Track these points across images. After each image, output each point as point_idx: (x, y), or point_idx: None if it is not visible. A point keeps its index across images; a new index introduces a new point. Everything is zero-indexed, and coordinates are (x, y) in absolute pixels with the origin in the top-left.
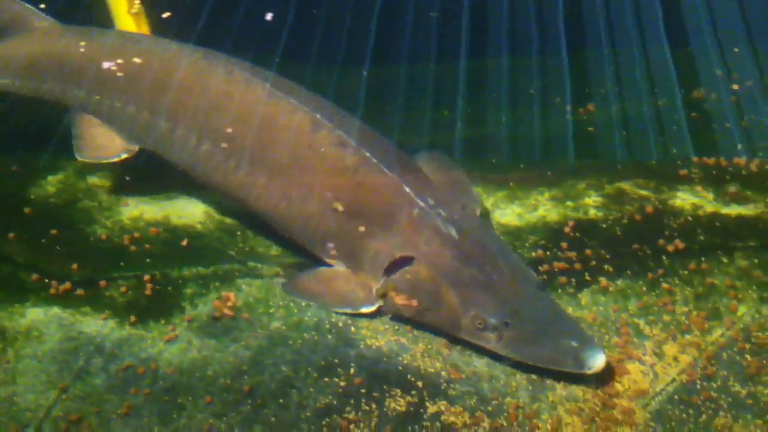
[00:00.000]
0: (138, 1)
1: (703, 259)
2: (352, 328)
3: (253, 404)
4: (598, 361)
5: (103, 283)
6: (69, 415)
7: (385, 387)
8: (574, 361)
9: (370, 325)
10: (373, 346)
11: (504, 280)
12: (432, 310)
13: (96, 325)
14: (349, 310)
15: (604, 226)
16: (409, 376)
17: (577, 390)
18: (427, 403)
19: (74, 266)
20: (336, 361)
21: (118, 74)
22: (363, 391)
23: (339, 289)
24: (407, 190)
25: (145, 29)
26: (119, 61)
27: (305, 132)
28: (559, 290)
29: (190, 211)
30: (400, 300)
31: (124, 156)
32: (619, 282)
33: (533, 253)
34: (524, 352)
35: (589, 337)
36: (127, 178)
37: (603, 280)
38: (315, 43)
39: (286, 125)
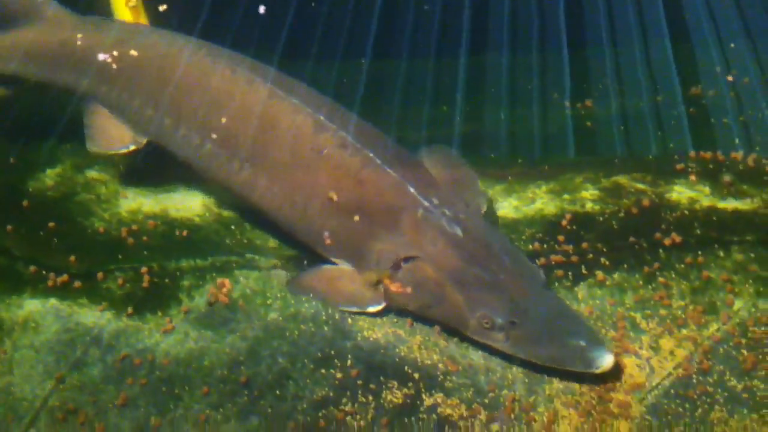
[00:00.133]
0: None
1: (699, 253)
2: (349, 320)
3: (250, 395)
4: (605, 361)
5: (100, 275)
6: (65, 406)
7: (381, 379)
8: (582, 360)
9: (367, 317)
10: (370, 338)
11: (510, 279)
12: (438, 308)
13: (93, 316)
14: (355, 309)
15: (600, 219)
16: (405, 368)
17: (574, 383)
18: (424, 395)
19: (72, 258)
20: (333, 352)
21: (126, 67)
22: (360, 382)
23: (345, 288)
24: (411, 190)
25: (144, 21)
26: (127, 53)
27: (308, 133)
28: (556, 283)
29: (188, 204)
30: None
31: (132, 147)
32: (615, 275)
33: (530, 246)
34: (531, 352)
35: (596, 336)
36: (126, 171)
37: (599, 274)
38: (314, 38)
39: (289, 126)
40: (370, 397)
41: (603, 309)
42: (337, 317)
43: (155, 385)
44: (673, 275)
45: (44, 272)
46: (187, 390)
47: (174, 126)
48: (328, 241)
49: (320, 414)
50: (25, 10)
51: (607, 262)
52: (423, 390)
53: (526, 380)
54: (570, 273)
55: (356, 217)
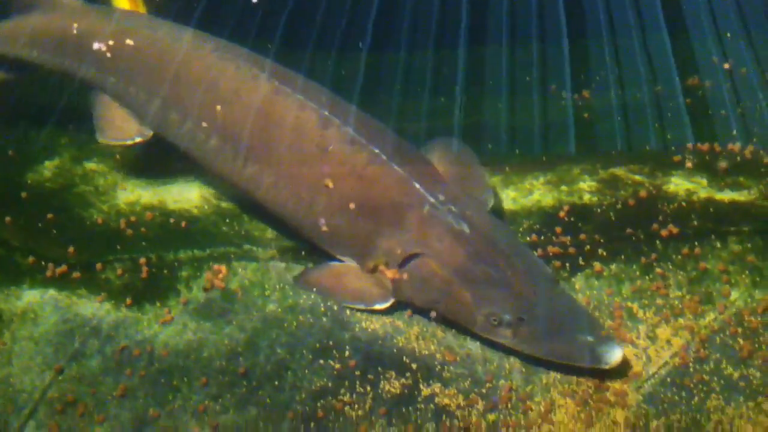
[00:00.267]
0: None
1: (696, 243)
2: (347, 311)
3: (249, 386)
4: (614, 356)
5: (99, 266)
6: (64, 397)
7: (379, 369)
8: (591, 356)
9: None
10: (368, 329)
11: (518, 276)
12: (445, 305)
13: (92, 307)
14: (362, 307)
15: (598, 210)
16: (403, 359)
17: (571, 373)
18: (422, 386)
19: (70, 249)
20: (331, 343)
21: (133, 59)
22: (358, 373)
23: (351, 285)
24: (417, 186)
25: (141, 10)
26: (135, 45)
27: (313, 129)
28: None
29: (186, 196)
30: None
31: (138, 140)
32: (612, 266)
33: (528, 238)
34: (540, 348)
35: (605, 331)
36: (125, 163)
37: (597, 265)
38: (313, 28)
39: (294, 122)
40: (368, 388)
41: (600, 299)
42: (335, 308)
43: (154, 376)
44: (670, 266)
45: (43, 263)
46: (185, 381)
47: (180, 120)
48: (333, 237)
49: (318, 404)
50: None
51: (605, 254)
52: (421, 380)
53: (523, 370)
54: (567, 264)
55: (363, 214)
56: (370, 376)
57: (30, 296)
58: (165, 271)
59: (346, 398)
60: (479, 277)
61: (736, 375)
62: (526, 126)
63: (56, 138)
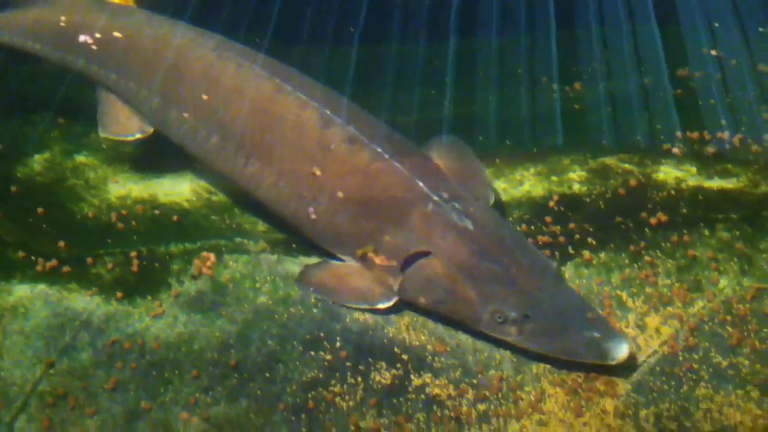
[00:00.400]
0: None
1: (685, 231)
2: None
3: (240, 378)
4: (621, 352)
5: (89, 260)
6: (55, 390)
7: (370, 360)
8: (597, 352)
9: None
10: (359, 320)
11: (522, 273)
12: (449, 303)
13: (83, 301)
14: (365, 306)
15: (588, 200)
16: (394, 349)
17: (560, 362)
18: (412, 376)
19: (61, 244)
20: (322, 335)
21: (134, 56)
22: (349, 364)
23: (354, 284)
24: (420, 184)
25: (130, 2)
26: (137, 42)
27: (315, 128)
28: None
29: (177, 189)
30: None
31: (138, 136)
32: (602, 255)
33: (518, 228)
34: (546, 345)
35: (611, 327)
36: (115, 156)
37: (586, 254)
38: (305, 21)
39: (296, 121)
40: (359, 378)
41: (590, 288)
42: (326, 300)
43: (145, 369)
44: (659, 254)
45: (33, 258)
46: (177, 374)
47: (180, 119)
48: (335, 236)
49: (309, 395)
50: None
51: (594, 242)
52: (411, 370)
53: (514, 360)
54: (557, 253)
55: (365, 212)
56: (360, 367)
57: (20, 291)
58: (156, 265)
59: (337, 389)
60: (484, 274)
61: (724, 363)
62: (517, 117)
63: (47, 131)
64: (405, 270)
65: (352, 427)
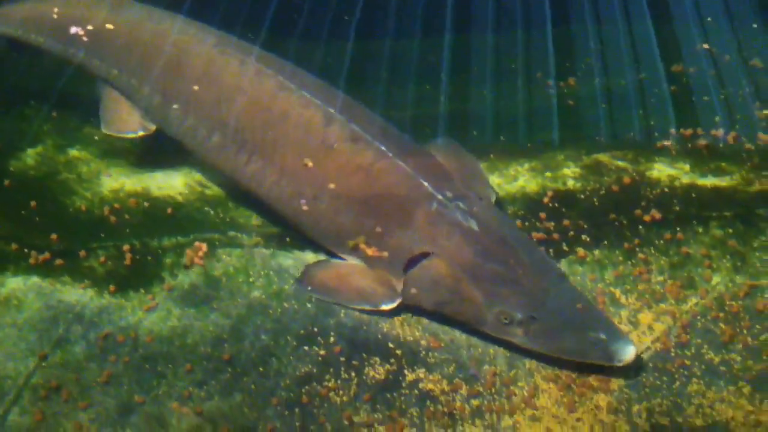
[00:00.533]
0: None
1: (678, 229)
2: None
3: (233, 372)
4: (627, 354)
5: (82, 253)
6: (48, 383)
7: (364, 355)
8: (604, 353)
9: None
10: (353, 315)
11: (528, 273)
12: (454, 304)
13: (75, 294)
14: (368, 307)
15: (582, 196)
16: (388, 344)
17: (554, 358)
18: (406, 371)
19: (54, 237)
20: (316, 329)
21: (135, 52)
22: (342, 359)
23: (357, 285)
24: (425, 184)
25: None
26: (138, 38)
27: (318, 126)
28: None
29: (170, 183)
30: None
31: (141, 133)
32: (596, 252)
33: None
34: (552, 346)
35: (617, 328)
36: (109, 150)
37: (580, 250)
38: (300, 16)
39: (298, 119)
40: (353, 374)
41: (583, 285)
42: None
43: (138, 362)
44: (653, 251)
45: (26, 250)
46: (170, 367)
47: (182, 116)
48: (338, 235)
49: (303, 390)
50: None
51: (588, 239)
52: (405, 366)
53: (507, 355)
54: (551, 250)
55: (369, 212)
56: (354, 362)
57: (13, 283)
58: (149, 258)
59: (331, 384)
60: (489, 275)
61: (717, 359)
62: (512, 113)
63: (40, 125)
64: (409, 270)
65: (346, 422)
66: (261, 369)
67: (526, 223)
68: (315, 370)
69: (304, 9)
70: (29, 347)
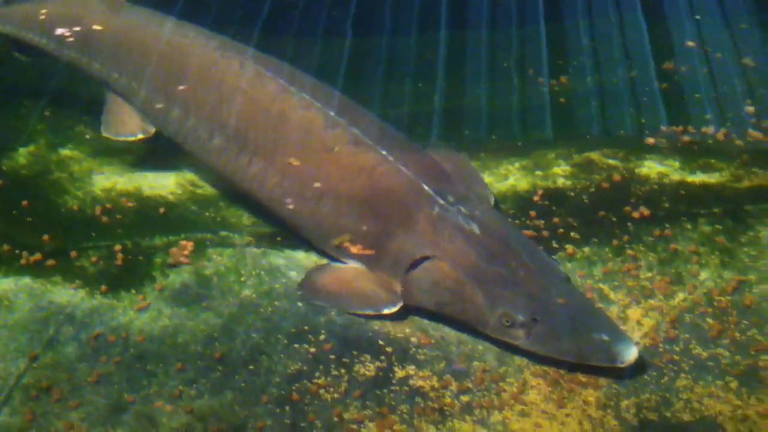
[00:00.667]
0: None
1: (667, 225)
2: None
3: (224, 371)
4: (630, 355)
5: (74, 253)
6: (39, 383)
7: (354, 352)
8: (606, 355)
9: None
10: (344, 313)
11: (530, 276)
12: (456, 307)
13: (66, 294)
14: (370, 312)
15: (572, 194)
16: (378, 342)
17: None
18: (396, 368)
19: (45, 237)
20: (306, 327)
21: (134, 55)
22: (333, 356)
23: (359, 289)
24: (426, 188)
25: None
26: (137, 40)
27: (319, 129)
28: None
29: (162, 183)
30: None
31: (140, 136)
32: (585, 249)
33: None
34: (554, 348)
35: (620, 330)
36: (101, 150)
37: (570, 248)
38: (296, 14)
39: (299, 122)
40: (343, 371)
41: (573, 281)
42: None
43: (129, 362)
44: (642, 247)
45: (17, 251)
46: (161, 366)
47: (182, 119)
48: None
49: (294, 387)
50: None
51: (578, 236)
52: (395, 362)
53: (497, 351)
54: (541, 247)
55: (370, 216)
56: (345, 360)
57: (4, 284)
58: (140, 258)
59: (321, 381)
60: (491, 277)
61: (705, 354)
62: (503, 111)
63: (31, 124)
64: (411, 273)
65: (336, 419)
66: (252, 367)
67: (517, 222)
68: (305, 368)
69: (298, 5)
70: (20, 348)
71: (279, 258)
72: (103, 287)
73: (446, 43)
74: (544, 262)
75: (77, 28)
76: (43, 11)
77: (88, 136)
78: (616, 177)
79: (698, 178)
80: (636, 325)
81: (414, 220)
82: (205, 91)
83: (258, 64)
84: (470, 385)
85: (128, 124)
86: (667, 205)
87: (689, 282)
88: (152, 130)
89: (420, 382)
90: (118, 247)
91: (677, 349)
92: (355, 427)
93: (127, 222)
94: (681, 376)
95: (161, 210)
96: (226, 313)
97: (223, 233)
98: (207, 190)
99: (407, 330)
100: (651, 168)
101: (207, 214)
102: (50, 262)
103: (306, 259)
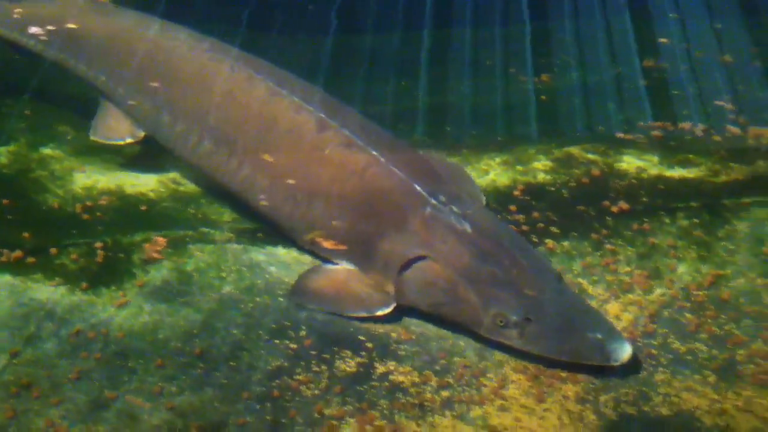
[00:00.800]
0: None
1: (645, 219)
2: None
3: (205, 367)
4: (624, 353)
5: (54, 250)
6: (19, 380)
7: (335, 348)
8: (601, 354)
9: None
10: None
11: (523, 275)
12: (450, 307)
13: (47, 291)
14: (364, 314)
15: (552, 189)
16: (359, 337)
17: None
18: (377, 364)
19: (26, 234)
20: (287, 323)
21: (122, 58)
22: (313, 352)
23: (352, 291)
24: (418, 188)
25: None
26: (126, 43)
27: (310, 132)
28: None
29: (143, 180)
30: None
31: (128, 140)
32: (565, 243)
33: None
34: (548, 347)
35: (613, 328)
36: (82, 148)
37: (549, 242)
38: (279, 12)
39: (290, 124)
40: (324, 367)
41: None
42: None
43: (109, 358)
44: (620, 242)
45: None
46: (141, 363)
47: (172, 123)
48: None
49: (274, 384)
50: None
51: (557, 231)
52: (376, 358)
53: (477, 347)
54: None
55: (362, 217)
56: (325, 355)
57: None
58: (121, 255)
59: (302, 377)
60: (485, 277)
61: (683, 348)
62: (488, 108)
63: (12, 123)
64: (404, 274)
65: (317, 415)
66: (232, 363)
67: (498, 216)
68: (286, 364)
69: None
70: (0, 344)
71: (260, 254)
72: (84, 284)
73: (433, 41)
74: (537, 261)
75: (64, 30)
76: (29, 12)
77: (69, 137)
78: (596, 172)
79: (676, 172)
80: (615, 320)
81: (406, 220)
82: (194, 94)
83: (248, 67)
84: (450, 381)
85: (117, 129)
86: (645, 199)
87: (667, 276)
88: (141, 134)
89: (400, 378)
90: (98, 244)
91: (655, 343)
92: (335, 422)
93: (108, 219)
94: (659, 370)
95: (142, 207)
96: (207, 309)
97: (203, 230)
98: (188, 187)
99: (388, 326)
100: (630, 163)
101: (188, 211)
102: (31, 259)
103: (286, 255)
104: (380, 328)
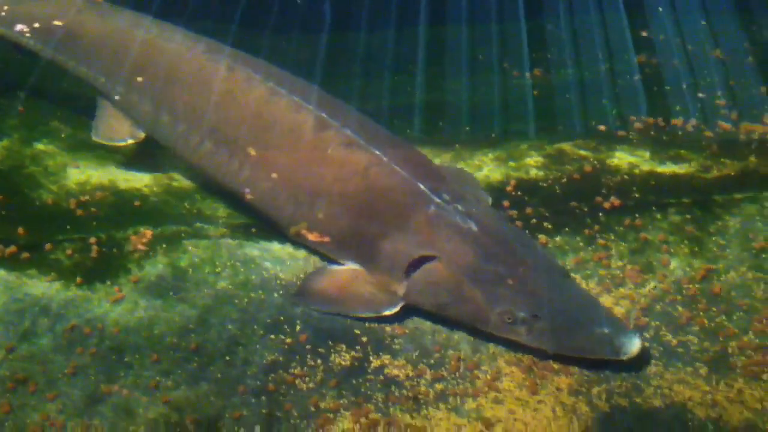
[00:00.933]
0: None
1: (637, 215)
2: (297, 284)
3: (200, 362)
4: (633, 347)
5: (48, 246)
6: (15, 375)
7: (330, 343)
8: (610, 348)
9: None
10: None
11: (530, 272)
12: (456, 306)
13: (42, 287)
14: (370, 314)
15: (544, 185)
16: (354, 331)
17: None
18: (371, 357)
19: (20, 230)
20: (282, 318)
21: (122, 59)
22: (308, 347)
23: (358, 292)
24: (421, 186)
25: None
26: (126, 45)
27: (311, 132)
28: None
29: (137, 176)
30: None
31: (129, 141)
32: (557, 238)
33: None
34: (556, 343)
35: (621, 322)
36: (76, 144)
37: (542, 237)
38: (273, 9)
39: (291, 125)
40: (319, 361)
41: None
42: (287, 284)
43: (105, 353)
44: (612, 237)
45: None
46: (137, 358)
47: (172, 124)
48: (335, 241)
49: (270, 378)
50: None
51: (550, 226)
52: (371, 352)
53: (471, 339)
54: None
55: (366, 217)
56: (320, 350)
57: None
58: (115, 250)
59: (297, 371)
60: (490, 275)
61: (674, 341)
62: (484, 104)
63: (5, 119)
64: (410, 274)
65: (312, 408)
66: (228, 358)
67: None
68: (281, 358)
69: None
70: None
71: (254, 249)
72: (78, 279)
73: (428, 37)
74: (544, 257)
75: (62, 30)
76: (28, 12)
77: (63, 133)
78: (588, 168)
79: (668, 168)
80: None
81: (410, 219)
82: (194, 95)
83: (247, 67)
84: (444, 374)
85: (118, 130)
86: (637, 195)
87: (659, 271)
88: (142, 135)
89: (395, 371)
90: (93, 239)
91: (648, 336)
92: (331, 416)
93: (102, 215)
94: (651, 362)
95: (136, 203)
96: (202, 305)
97: (198, 225)
98: (183, 182)
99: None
100: (621, 159)
101: (182, 206)
102: (25, 255)
103: (281, 250)
104: (374, 322)
